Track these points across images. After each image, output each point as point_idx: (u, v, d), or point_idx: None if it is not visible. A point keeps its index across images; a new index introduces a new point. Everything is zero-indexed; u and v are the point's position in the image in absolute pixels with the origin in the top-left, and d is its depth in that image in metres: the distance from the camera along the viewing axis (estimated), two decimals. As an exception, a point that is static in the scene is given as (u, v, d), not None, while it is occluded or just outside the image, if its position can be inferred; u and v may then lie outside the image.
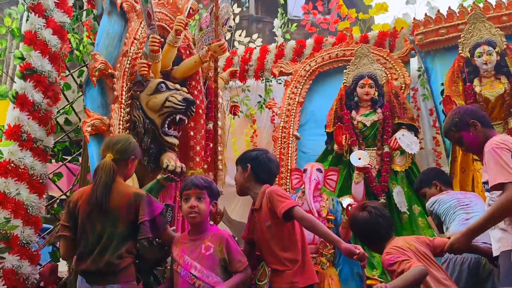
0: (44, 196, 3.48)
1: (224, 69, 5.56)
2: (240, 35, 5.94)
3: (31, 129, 3.37)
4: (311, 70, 5.13)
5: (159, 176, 3.42)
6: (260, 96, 5.60)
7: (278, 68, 5.25)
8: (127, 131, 3.59)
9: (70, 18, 3.75)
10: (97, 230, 2.74)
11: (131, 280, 2.79)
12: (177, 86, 3.73)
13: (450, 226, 3.50)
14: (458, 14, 4.57)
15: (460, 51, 4.35)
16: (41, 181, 3.43)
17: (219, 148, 4.38)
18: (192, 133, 3.92)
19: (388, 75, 4.85)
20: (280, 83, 5.42)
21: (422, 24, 4.71)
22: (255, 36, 6.02)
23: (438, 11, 4.73)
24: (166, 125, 3.61)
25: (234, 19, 6.03)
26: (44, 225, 3.48)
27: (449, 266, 3.27)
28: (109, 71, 3.61)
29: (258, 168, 3.02)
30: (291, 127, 4.97)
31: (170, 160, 3.48)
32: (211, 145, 4.27)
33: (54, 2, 3.57)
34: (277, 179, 4.72)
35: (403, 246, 2.81)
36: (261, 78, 5.56)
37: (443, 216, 3.58)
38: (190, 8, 3.97)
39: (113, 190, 2.73)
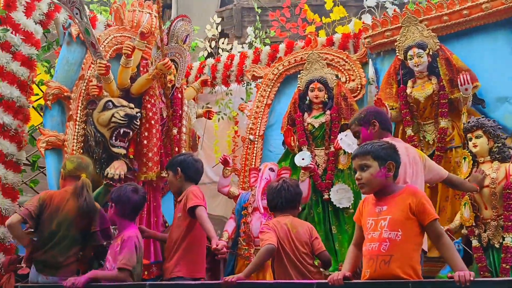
0: (18, 200, 4.09)
1: (211, 75, 5.94)
2: (223, 43, 6.24)
3: (2, 146, 4.01)
4: (278, 74, 5.33)
5: (104, 182, 3.93)
6: (242, 99, 5.91)
7: (251, 73, 5.51)
8: (82, 144, 4.12)
9: (38, 49, 4.31)
10: (52, 228, 3.40)
11: (70, 275, 3.34)
12: (124, 102, 4.22)
13: None
14: (402, 17, 4.54)
15: (397, 54, 4.38)
16: (13, 188, 4.04)
17: (183, 151, 4.79)
18: (145, 141, 4.41)
19: (346, 76, 4.96)
20: (256, 87, 5.67)
21: (371, 27, 4.75)
22: (235, 43, 6.30)
23: (385, 13, 4.74)
24: (113, 138, 4.11)
25: (217, 28, 6.37)
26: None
27: None
28: (65, 94, 4.17)
29: (187, 169, 3.58)
30: (258, 128, 5.23)
31: (112, 168, 3.99)
32: (176, 149, 4.72)
33: (21, 38, 4.14)
34: (241, 177, 5.03)
35: (275, 223, 3.18)
36: (242, 83, 5.85)
37: None
38: (141, 32, 4.37)
39: None
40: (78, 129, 4.15)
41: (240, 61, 5.82)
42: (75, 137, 4.12)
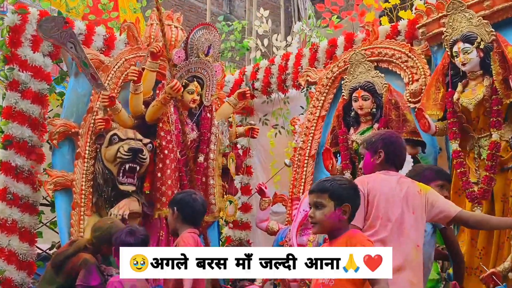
0: (36, 243, 5.68)
1: (264, 80, 7.01)
2: (276, 39, 7.23)
3: (17, 189, 5.59)
4: (333, 77, 6.05)
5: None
6: (302, 107, 6.84)
7: (304, 78, 6.34)
8: (91, 182, 5.55)
9: (49, 83, 5.85)
10: None
11: None
12: (130, 134, 5.52)
13: None
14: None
15: (446, 50, 4.96)
16: (31, 231, 5.63)
17: (211, 181, 5.98)
18: (159, 174, 5.64)
19: (409, 76, 5.59)
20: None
21: (425, 13, 5.35)
22: (289, 38, 7.22)
23: (436, -5, 5.29)
24: (121, 174, 5.44)
25: (267, 22, 7.38)
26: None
27: None
28: (73, 130, 5.62)
29: (183, 210, 4.66)
30: (308, 147, 6.09)
31: (116, 208, 5.33)
32: (203, 179, 5.93)
33: (29, 74, 5.71)
34: (288, 208, 5.98)
35: None
36: (301, 87, 6.76)
37: None
38: (151, 52, 5.64)
39: None
40: (87, 166, 5.54)
41: (296, 61, 6.74)
42: (84, 175, 5.53)
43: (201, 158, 5.95)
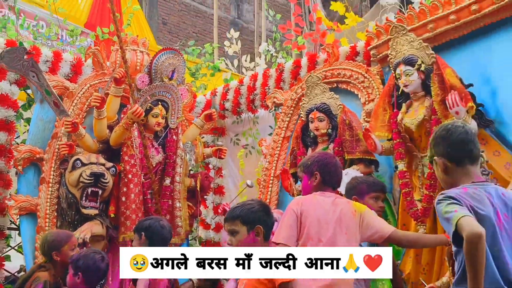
0: (3, 267, 6.61)
1: (234, 101, 7.95)
2: (246, 60, 8.19)
3: (-20, 218, 6.54)
4: (297, 99, 6.95)
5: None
6: (271, 127, 7.74)
7: (271, 100, 7.29)
8: (56, 206, 6.48)
9: (16, 110, 6.80)
10: None
11: None
12: (93, 159, 6.43)
13: None
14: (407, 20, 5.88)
15: (392, 72, 5.79)
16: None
17: (178, 204, 6.90)
18: (123, 198, 6.55)
19: (365, 96, 6.49)
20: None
21: (375, 36, 6.26)
22: (258, 59, 8.16)
23: (387, 18, 6.20)
24: (83, 198, 6.35)
25: (236, 43, 8.33)
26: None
27: None
28: (37, 156, 6.57)
29: (151, 236, 5.44)
30: (273, 168, 7.00)
31: (77, 232, 6.20)
32: (170, 202, 6.86)
33: (-5, 102, 6.67)
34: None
35: None
36: (269, 108, 7.68)
37: None
38: (114, 78, 6.57)
39: None
40: (51, 191, 6.44)
41: (263, 81, 7.68)
42: (48, 199, 6.42)
43: (167, 181, 6.87)
